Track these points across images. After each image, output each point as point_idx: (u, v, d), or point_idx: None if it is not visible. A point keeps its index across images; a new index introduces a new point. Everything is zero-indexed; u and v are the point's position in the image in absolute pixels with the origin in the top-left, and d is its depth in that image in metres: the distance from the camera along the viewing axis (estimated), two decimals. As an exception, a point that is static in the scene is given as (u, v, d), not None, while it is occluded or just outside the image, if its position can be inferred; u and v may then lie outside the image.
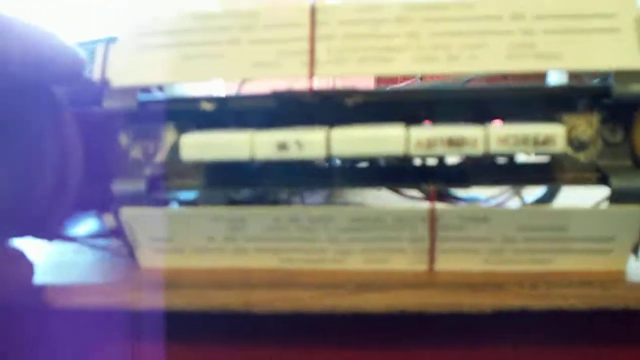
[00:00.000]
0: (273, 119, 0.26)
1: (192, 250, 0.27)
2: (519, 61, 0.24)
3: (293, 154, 0.24)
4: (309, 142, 0.24)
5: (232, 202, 0.28)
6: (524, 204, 0.28)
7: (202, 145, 0.25)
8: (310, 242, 0.26)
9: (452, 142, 0.23)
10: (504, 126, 0.24)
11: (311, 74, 0.25)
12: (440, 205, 0.25)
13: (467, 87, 0.26)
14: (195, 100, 0.26)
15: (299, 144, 0.24)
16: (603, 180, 0.25)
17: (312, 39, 0.25)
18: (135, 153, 0.27)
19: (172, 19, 0.26)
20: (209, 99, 0.26)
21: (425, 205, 0.25)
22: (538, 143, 0.23)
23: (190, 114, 0.26)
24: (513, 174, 0.26)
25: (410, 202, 0.28)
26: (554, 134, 0.23)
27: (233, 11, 0.26)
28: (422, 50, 0.25)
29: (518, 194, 0.27)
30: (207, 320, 0.26)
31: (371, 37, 0.25)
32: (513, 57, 0.24)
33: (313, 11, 0.25)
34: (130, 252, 0.27)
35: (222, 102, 0.26)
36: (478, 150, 0.23)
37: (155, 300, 0.25)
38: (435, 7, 0.25)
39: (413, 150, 0.24)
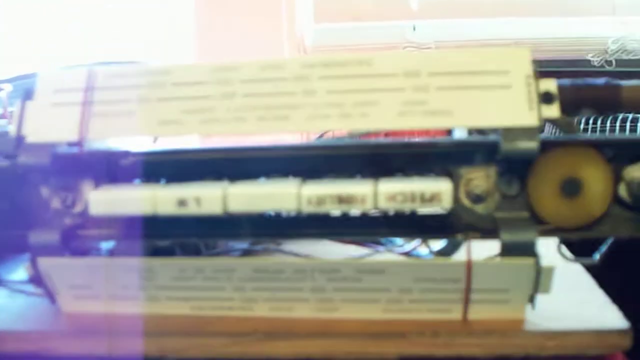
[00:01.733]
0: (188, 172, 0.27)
1: (108, 297, 0.28)
2: (409, 118, 0.25)
3: (192, 209, 0.25)
4: (207, 199, 0.25)
5: (153, 249, 0.28)
6: (426, 254, 0.28)
7: (108, 201, 0.26)
8: (217, 291, 0.27)
9: (342, 200, 0.24)
10: (392, 183, 0.24)
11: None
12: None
13: (365, 142, 0.26)
14: (111, 154, 0.27)
15: (198, 201, 0.25)
16: (497, 232, 0.25)
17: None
18: (55, 203, 0.28)
19: (86, 75, 0.27)
20: (127, 154, 0.27)
21: (328, 257, 0.26)
22: (425, 200, 0.24)
23: (106, 167, 0.27)
24: (414, 225, 0.26)
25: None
26: (439, 192, 0.24)
27: (145, 69, 0.27)
28: (317, 108, 0.25)
29: (425, 242, 0.28)
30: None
31: (270, 95, 0.26)
32: (405, 113, 0.25)
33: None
34: (51, 298, 0.28)
35: (138, 157, 0.27)
36: (367, 207, 0.24)
37: (76, 348, 0.26)
38: (334, 65, 0.26)
39: (304, 208, 0.24)
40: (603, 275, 0.29)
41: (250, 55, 0.92)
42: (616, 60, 0.88)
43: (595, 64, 0.88)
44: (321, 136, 0.42)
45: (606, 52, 0.87)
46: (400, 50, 0.89)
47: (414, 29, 0.90)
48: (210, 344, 0.26)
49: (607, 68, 0.88)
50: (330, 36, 0.92)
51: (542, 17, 0.92)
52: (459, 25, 0.91)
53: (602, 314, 0.26)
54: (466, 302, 0.26)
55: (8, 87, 0.39)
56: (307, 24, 0.95)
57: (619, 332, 0.25)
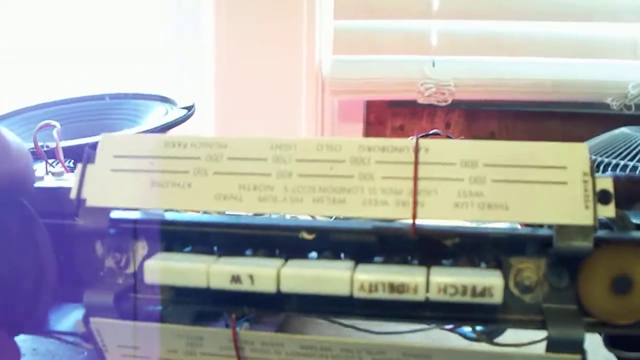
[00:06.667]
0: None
1: (156, 359, 0.28)
2: (465, 210, 0.25)
3: (245, 286, 0.25)
4: (260, 278, 0.25)
5: (200, 313, 0.29)
6: (469, 333, 0.28)
7: (163, 271, 0.26)
8: (264, 362, 0.27)
9: (394, 288, 0.24)
10: (444, 275, 0.24)
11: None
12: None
13: (418, 226, 0.27)
14: (165, 222, 0.28)
15: (251, 278, 0.25)
16: (545, 324, 0.25)
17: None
18: (109, 263, 0.29)
19: (145, 142, 0.28)
20: (309, 229, 0.27)
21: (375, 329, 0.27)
22: (476, 294, 0.24)
23: (159, 232, 0.28)
24: (462, 311, 0.26)
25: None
26: (491, 286, 0.24)
27: (202, 140, 0.27)
28: (374, 193, 0.26)
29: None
30: None
31: (327, 177, 0.26)
32: (460, 205, 0.25)
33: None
34: (100, 355, 0.29)
35: (192, 227, 0.28)
36: (419, 297, 0.24)
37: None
38: (391, 150, 0.26)
39: (356, 293, 0.25)
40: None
41: (267, 87, 0.95)
42: (635, 105, 0.87)
43: (614, 107, 0.87)
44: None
45: (626, 96, 0.87)
46: (418, 86, 0.89)
47: (433, 64, 0.90)
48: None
49: (626, 112, 0.87)
50: (348, 68, 0.92)
51: (562, 57, 0.91)
52: (478, 63, 0.91)
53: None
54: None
55: (57, 125, 0.40)
56: (325, 54, 0.95)
57: None
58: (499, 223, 0.27)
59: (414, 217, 0.25)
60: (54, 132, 0.39)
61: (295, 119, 0.96)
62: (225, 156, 0.27)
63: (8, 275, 0.26)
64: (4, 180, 0.26)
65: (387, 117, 0.99)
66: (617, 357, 0.28)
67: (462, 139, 0.53)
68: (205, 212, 0.29)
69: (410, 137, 0.55)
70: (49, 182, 0.32)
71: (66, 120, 0.60)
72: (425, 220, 0.25)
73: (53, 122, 0.40)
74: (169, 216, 0.28)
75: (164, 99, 0.62)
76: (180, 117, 0.55)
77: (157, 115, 0.58)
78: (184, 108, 0.57)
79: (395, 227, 0.26)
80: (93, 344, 0.29)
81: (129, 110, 0.62)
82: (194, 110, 0.58)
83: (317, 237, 0.27)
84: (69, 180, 0.34)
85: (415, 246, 0.26)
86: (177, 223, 0.28)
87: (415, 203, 0.25)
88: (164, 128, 0.53)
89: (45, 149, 0.43)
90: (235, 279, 0.25)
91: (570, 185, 0.25)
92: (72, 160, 0.43)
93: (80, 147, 0.48)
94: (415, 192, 0.25)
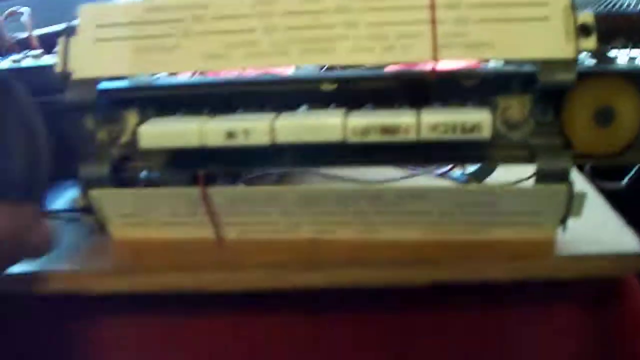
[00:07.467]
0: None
1: (158, 224, 0.29)
2: (451, 50, 0.26)
3: (240, 141, 0.26)
4: (255, 131, 0.26)
5: (195, 176, 0.30)
6: (460, 176, 0.29)
7: (158, 135, 0.26)
8: (264, 215, 0.28)
9: (386, 130, 0.25)
10: (434, 114, 0.25)
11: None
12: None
13: (404, 72, 0.27)
14: (156, 87, 0.28)
15: (246, 133, 0.26)
16: (533, 158, 0.26)
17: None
18: (101, 136, 0.29)
19: (126, 10, 0.27)
20: (330, 79, 0.27)
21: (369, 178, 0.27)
22: (466, 130, 0.25)
23: (151, 100, 0.28)
24: (452, 151, 0.27)
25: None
26: (480, 122, 0.25)
27: (182, 2, 0.27)
28: (360, 40, 0.26)
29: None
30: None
31: (312, 27, 0.26)
32: (446, 46, 0.26)
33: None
34: (101, 227, 0.29)
35: (183, 89, 0.28)
36: (411, 137, 0.25)
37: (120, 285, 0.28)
38: (374, -4, 0.26)
39: (350, 138, 0.25)
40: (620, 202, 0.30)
41: None
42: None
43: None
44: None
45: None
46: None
47: None
48: (246, 278, 0.28)
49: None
50: None
51: None
52: None
53: (620, 238, 0.28)
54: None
55: (26, 10, 0.39)
56: None
57: (636, 256, 0.27)
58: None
59: (436, 59, 0.25)
60: (25, 19, 0.38)
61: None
62: (209, 16, 0.27)
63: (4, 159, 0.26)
64: None
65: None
66: (599, 187, 0.29)
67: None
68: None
69: None
70: (30, 62, 0.32)
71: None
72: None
73: (22, 9, 0.39)
74: (158, 82, 0.28)
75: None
76: None
77: None
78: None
79: (381, 73, 0.27)
80: (94, 216, 0.29)
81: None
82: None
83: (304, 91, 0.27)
84: (50, 60, 0.34)
85: (402, 91, 0.27)
86: (167, 87, 0.28)
87: (435, 47, 0.25)
88: None
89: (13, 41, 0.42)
90: (230, 134, 0.26)
91: (552, 21, 0.25)
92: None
93: (52, 35, 0.47)
94: (435, 36, 0.25)
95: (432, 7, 0.26)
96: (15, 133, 0.26)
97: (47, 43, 0.40)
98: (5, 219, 0.25)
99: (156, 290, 0.28)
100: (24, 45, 0.40)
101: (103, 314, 0.30)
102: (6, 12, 0.39)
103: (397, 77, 0.27)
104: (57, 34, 0.28)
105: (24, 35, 0.40)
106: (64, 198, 0.34)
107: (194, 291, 0.27)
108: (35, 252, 0.26)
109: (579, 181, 0.29)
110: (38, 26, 0.45)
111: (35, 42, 0.37)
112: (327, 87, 0.27)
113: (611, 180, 0.29)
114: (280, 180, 0.33)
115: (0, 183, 0.26)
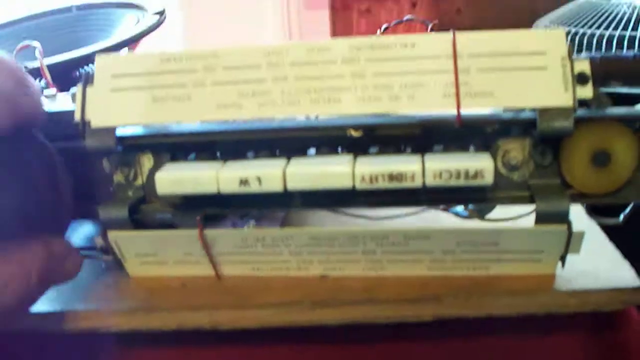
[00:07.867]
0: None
1: (173, 262, 0.30)
2: (453, 99, 0.27)
3: (253, 188, 0.27)
4: (267, 179, 0.27)
5: (209, 217, 0.31)
6: (465, 213, 0.31)
7: (174, 182, 0.28)
8: (275, 255, 0.29)
9: (393, 177, 0.26)
10: (438, 161, 0.26)
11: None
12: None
13: (408, 118, 0.28)
14: (167, 135, 0.29)
15: (259, 180, 0.27)
16: (532, 199, 0.28)
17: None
18: (118, 178, 0.30)
19: (141, 60, 0.28)
20: (356, 127, 0.28)
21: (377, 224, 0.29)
22: (469, 177, 0.26)
23: (165, 145, 0.29)
24: (454, 193, 0.28)
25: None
26: (483, 169, 0.26)
27: (195, 53, 0.28)
28: (367, 90, 0.27)
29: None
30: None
31: (321, 78, 0.27)
32: (448, 95, 0.27)
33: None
34: (119, 265, 0.31)
35: (196, 136, 0.29)
36: (416, 184, 0.26)
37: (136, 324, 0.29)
38: (379, 47, 0.27)
39: (358, 185, 0.27)
40: (617, 236, 0.31)
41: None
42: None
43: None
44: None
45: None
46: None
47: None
48: (260, 315, 0.29)
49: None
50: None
51: None
52: None
53: (618, 272, 0.29)
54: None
55: (38, 45, 0.40)
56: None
57: (633, 289, 0.28)
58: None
59: (458, 106, 0.27)
60: (37, 53, 0.39)
61: (260, 5, 0.96)
62: (221, 66, 0.28)
63: (31, 205, 0.27)
64: (23, 118, 0.26)
65: (353, 0, 0.99)
66: (598, 223, 0.31)
67: (434, 23, 0.54)
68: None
69: (384, 25, 0.56)
70: (48, 105, 0.33)
71: (34, 38, 0.60)
72: (417, 111, 0.27)
73: (33, 43, 0.40)
74: (172, 128, 0.29)
75: (133, 6, 0.62)
76: (153, 24, 0.55)
77: (129, 23, 0.58)
78: (156, 14, 0.57)
79: (386, 120, 0.28)
80: (112, 255, 0.30)
81: (98, 20, 0.61)
82: (165, 15, 0.58)
83: (313, 137, 0.28)
84: (65, 101, 0.35)
85: (405, 137, 0.28)
86: (180, 134, 0.29)
87: (458, 95, 0.27)
88: (139, 37, 0.53)
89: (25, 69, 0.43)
90: (244, 182, 0.27)
91: (550, 70, 0.26)
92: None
93: (58, 65, 0.48)
94: (457, 84, 0.26)
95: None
96: (40, 173, 0.27)
97: (56, 73, 0.42)
98: (43, 251, 0.26)
99: (172, 328, 0.29)
100: (34, 75, 0.41)
101: (115, 348, 0.32)
102: (18, 47, 0.40)
103: (399, 123, 0.28)
104: (66, 65, 0.29)
105: (34, 65, 0.41)
106: (78, 234, 0.35)
107: (209, 329, 0.29)
108: (64, 279, 0.28)
109: (578, 215, 0.30)
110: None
111: (47, 76, 0.38)
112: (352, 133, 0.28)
113: (608, 216, 0.30)
114: (287, 219, 0.34)
115: (31, 219, 0.27)
